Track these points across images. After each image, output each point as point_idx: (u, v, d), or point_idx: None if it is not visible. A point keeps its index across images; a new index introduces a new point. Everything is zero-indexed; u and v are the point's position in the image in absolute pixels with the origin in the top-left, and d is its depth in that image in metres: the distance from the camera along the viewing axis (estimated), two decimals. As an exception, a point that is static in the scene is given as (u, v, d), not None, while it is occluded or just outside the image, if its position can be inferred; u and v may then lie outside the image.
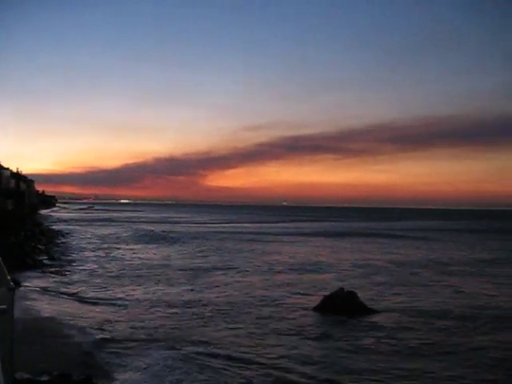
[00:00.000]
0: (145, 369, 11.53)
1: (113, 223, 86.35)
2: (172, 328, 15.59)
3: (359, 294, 19.75)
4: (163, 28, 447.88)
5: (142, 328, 15.49)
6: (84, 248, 41.24)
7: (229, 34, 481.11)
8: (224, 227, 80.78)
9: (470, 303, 20.21)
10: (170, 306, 19.05)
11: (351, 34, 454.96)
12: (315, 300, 20.04)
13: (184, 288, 23.18)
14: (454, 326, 16.38)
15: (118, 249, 41.59)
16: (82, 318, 16.45)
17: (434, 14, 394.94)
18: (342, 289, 20.05)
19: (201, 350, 13.32)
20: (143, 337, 14.45)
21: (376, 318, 17.47)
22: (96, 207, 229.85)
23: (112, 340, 13.92)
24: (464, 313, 18.37)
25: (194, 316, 17.37)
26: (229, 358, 12.74)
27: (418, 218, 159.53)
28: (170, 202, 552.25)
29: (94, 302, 19.49)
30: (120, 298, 20.51)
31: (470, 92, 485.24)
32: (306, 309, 19.00)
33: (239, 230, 73.28)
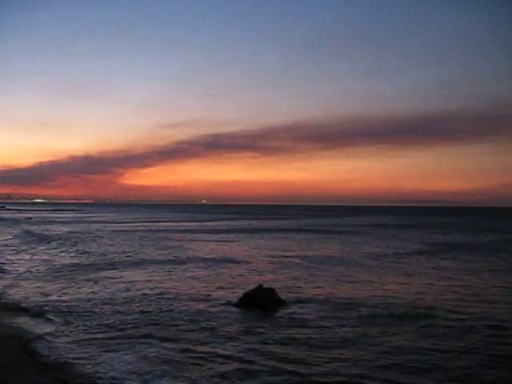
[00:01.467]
0: None
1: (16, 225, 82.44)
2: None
3: (277, 289, 20.37)
4: (79, 20, 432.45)
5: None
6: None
7: (148, 29, 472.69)
8: (144, 226, 79.50)
9: (382, 294, 21.27)
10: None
11: (270, 32, 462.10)
12: (235, 296, 20.42)
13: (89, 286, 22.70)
14: (366, 316, 17.19)
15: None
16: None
17: (349, 14, 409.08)
18: (260, 285, 20.44)
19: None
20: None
21: (293, 311, 18.01)
22: (9, 207, 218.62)
23: None
24: (375, 304, 19.32)
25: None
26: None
27: (336, 215, 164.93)
28: (86, 201, 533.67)
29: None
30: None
31: (387, 92, 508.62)
32: (225, 304, 19.22)
33: (157, 228, 72.49)
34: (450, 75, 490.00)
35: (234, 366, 12.08)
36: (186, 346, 13.57)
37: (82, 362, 12.26)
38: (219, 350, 13.27)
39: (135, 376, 11.23)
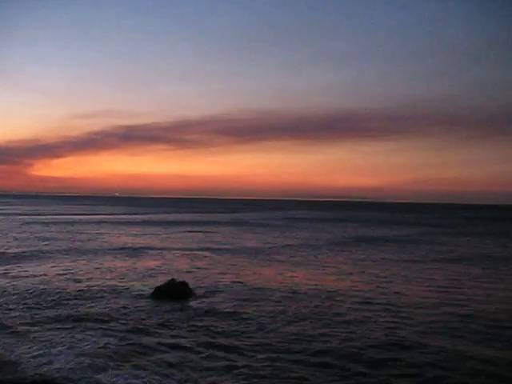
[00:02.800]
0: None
1: None
2: None
3: (189, 281, 21.58)
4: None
5: None
6: None
7: (62, 17, 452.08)
8: (54, 218, 76.99)
9: (282, 283, 22.93)
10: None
11: (188, 26, 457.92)
12: (149, 288, 21.33)
13: None
14: (272, 304, 18.69)
15: None
16: None
17: (266, 11, 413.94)
18: (173, 279, 21.46)
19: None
20: None
21: (204, 302, 19.16)
22: None
23: None
24: (277, 291, 20.94)
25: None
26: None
27: (253, 209, 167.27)
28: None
29: None
30: None
31: (302, 88, 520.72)
32: (139, 297, 19.97)
33: (67, 220, 70.62)
34: (363, 74, 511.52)
35: (156, 356, 12.95)
36: (106, 340, 14.03)
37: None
38: (137, 343, 14.07)
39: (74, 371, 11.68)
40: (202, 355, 12.96)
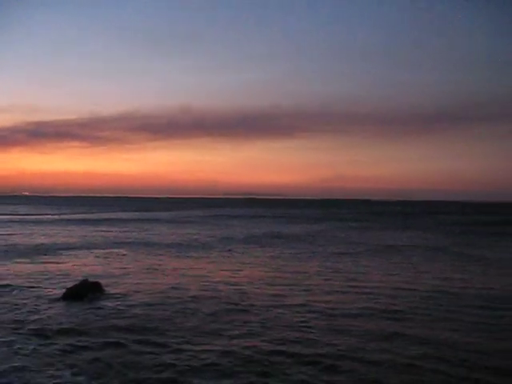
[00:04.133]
0: None
1: None
2: None
3: (102, 281, 21.44)
4: None
5: None
6: None
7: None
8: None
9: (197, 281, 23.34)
10: None
11: (101, 22, 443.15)
12: (60, 288, 20.99)
13: None
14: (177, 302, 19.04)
15: None
16: None
17: (182, 12, 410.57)
18: (86, 279, 21.22)
19: None
20: None
21: (116, 303, 19.11)
22: None
23: None
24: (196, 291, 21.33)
25: None
26: None
27: (169, 207, 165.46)
28: None
29: None
30: None
31: (222, 86, 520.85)
32: (50, 298, 19.60)
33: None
34: (276, 73, 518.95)
35: (63, 358, 12.91)
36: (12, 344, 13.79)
37: None
38: (44, 345, 13.96)
39: None
40: (112, 355, 13.07)
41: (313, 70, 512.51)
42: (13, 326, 15.64)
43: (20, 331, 15.08)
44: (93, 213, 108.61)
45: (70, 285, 21.07)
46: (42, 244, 39.63)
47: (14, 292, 20.66)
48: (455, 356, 13.03)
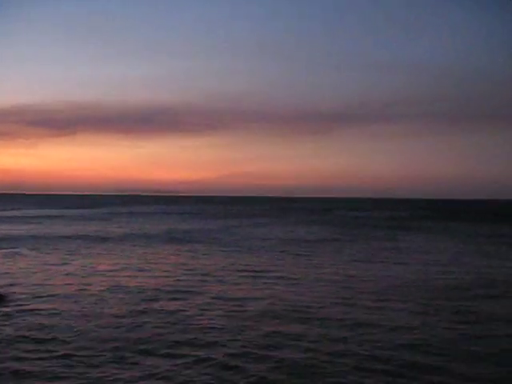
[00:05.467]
0: None
1: None
2: None
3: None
4: None
5: None
6: None
7: None
8: None
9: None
10: None
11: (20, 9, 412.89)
12: None
13: None
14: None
15: None
16: None
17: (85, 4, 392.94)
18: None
19: None
20: None
21: (14, 308, 17.48)
22: None
23: None
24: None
25: None
26: None
27: (68, 205, 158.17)
28: None
29: None
30: None
31: (120, 80, 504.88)
32: None
33: None
34: (183, 68, 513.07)
35: None
36: None
37: None
38: None
39: None
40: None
41: (220, 67, 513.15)
42: None
43: None
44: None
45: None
46: None
47: None
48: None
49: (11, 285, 21.50)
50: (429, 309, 17.91)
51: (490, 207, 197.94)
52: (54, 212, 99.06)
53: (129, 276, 24.32)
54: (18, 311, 16.95)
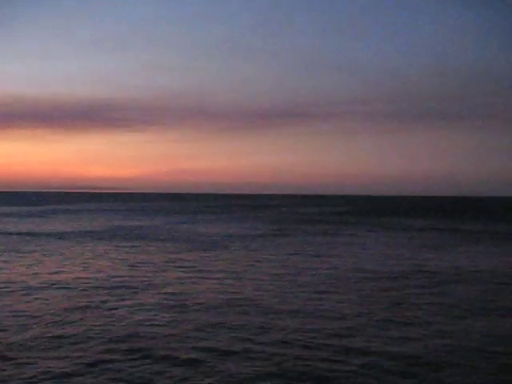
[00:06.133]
0: None
1: None
2: None
3: None
4: None
5: None
6: None
7: None
8: None
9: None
10: None
11: None
12: None
13: None
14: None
15: None
16: None
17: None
18: None
19: None
20: None
21: None
22: None
23: None
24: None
25: None
26: None
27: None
28: None
29: None
30: None
31: (52, 74, 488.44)
32: None
33: None
34: (123, 64, 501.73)
35: None
36: None
37: None
38: None
39: None
40: None
41: (159, 64, 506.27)
42: None
43: None
44: None
45: None
46: None
47: None
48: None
49: None
50: (364, 298, 18.58)
51: (427, 203, 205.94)
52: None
53: (67, 272, 23.75)
54: None
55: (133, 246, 35.42)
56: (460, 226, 62.82)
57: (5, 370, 10.94)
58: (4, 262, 27.29)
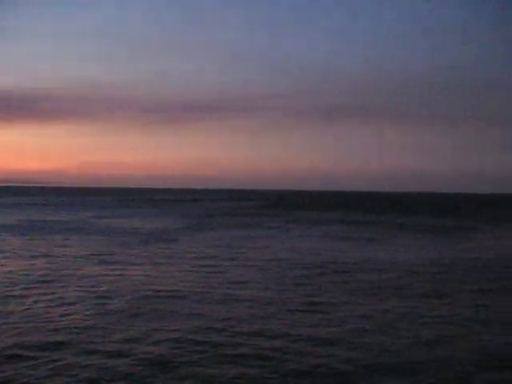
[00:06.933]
0: None
1: None
2: None
3: None
4: None
5: None
6: None
7: None
8: None
9: None
10: None
11: None
12: None
13: None
14: None
15: None
16: None
17: None
18: None
19: None
20: None
21: None
22: None
23: None
24: None
25: None
26: None
27: None
28: None
29: None
30: None
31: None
32: None
33: None
34: (43, 53, 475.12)
35: None
36: None
37: None
38: None
39: None
40: None
41: (81, 53, 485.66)
42: None
43: None
44: None
45: None
46: None
47: None
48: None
49: None
50: (281, 286, 19.64)
51: (341, 198, 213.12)
52: None
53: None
54: None
55: (51, 240, 34.62)
56: (370, 218, 66.21)
57: None
58: None
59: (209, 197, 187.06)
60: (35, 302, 16.59)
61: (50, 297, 17.34)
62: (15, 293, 17.84)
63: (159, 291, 18.39)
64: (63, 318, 14.52)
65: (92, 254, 28.06)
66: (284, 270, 23.63)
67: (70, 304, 16.34)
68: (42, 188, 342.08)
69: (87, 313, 15.21)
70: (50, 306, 15.98)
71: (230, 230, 46.00)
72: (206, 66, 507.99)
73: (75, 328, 13.52)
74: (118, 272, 22.48)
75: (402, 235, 42.89)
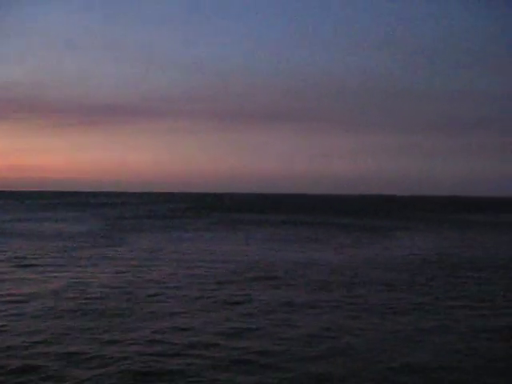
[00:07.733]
0: None
1: None
2: None
3: None
4: None
5: None
6: None
7: None
8: None
9: None
10: None
11: None
12: None
13: None
14: None
15: None
16: None
17: None
18: None
19: None
20: None
21: None
22: None
23: None
24: None
25: None
26: None
27: None
28: None
29: None
30: None
31: None
32: None
33: None
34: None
35: None
36: None
37: None
38: None
39: None
40: None
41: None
42: None
43: None
44: None
45: None
46: None
47: None
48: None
49: None
50: (204, 292, 18.97)
51: (255, 200, 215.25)
52: None
53: None
54: None
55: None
56: (303, 219, 68.01)
57: None
58: None
59: (135, 200, 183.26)
60: None
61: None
62: None
63: (78, 294, 18.38)
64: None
65: (7, 258, 27.28)
66: (207, 269, 24.16)
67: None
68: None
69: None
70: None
71: (149, 232, 45.50)
72: (128, 69, 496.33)
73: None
74: (35, 276, 22.10)
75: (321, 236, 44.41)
